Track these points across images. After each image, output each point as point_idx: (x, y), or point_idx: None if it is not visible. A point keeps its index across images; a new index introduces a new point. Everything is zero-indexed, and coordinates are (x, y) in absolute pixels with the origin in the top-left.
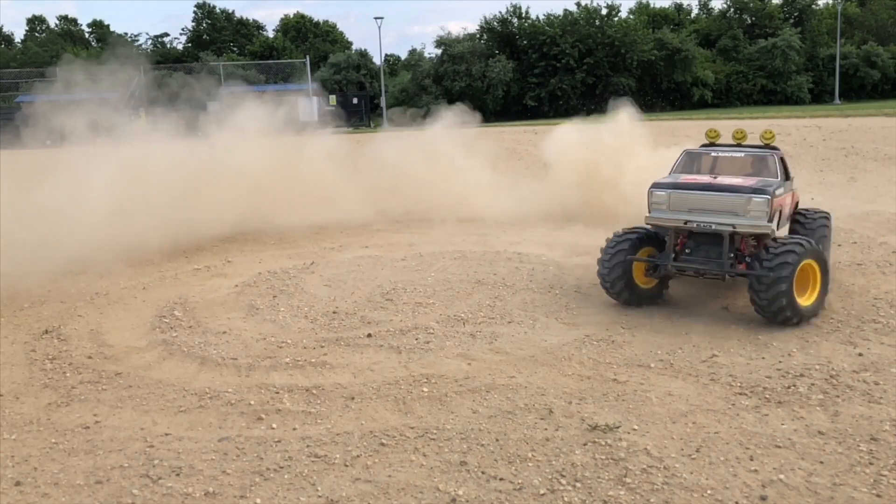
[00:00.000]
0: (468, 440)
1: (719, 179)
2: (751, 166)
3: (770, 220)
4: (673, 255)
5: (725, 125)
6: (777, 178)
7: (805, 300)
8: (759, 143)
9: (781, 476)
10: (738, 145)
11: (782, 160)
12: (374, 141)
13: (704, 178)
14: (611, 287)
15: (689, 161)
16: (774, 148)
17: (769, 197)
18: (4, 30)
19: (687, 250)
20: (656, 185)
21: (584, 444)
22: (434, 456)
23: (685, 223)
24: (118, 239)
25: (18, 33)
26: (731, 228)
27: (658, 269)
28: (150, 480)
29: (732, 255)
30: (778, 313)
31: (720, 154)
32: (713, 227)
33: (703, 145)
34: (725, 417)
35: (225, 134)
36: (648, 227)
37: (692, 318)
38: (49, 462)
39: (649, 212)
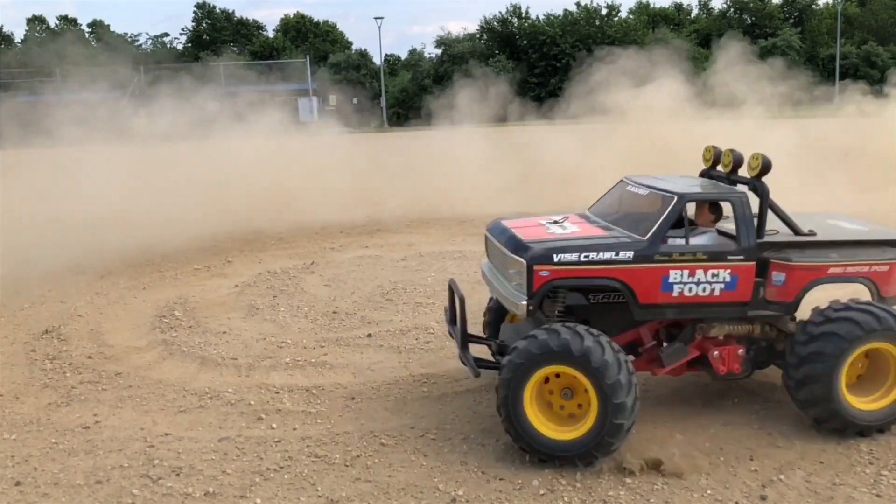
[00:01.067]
0: (468, 440)
1: (539, 226)
2: (643, 210)
3: (532, 296)
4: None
5: (724, 125)
6: (646, 234)
7: (562, 432)
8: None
9: (781, 476)
10: (729, 176)
11: (713, 208)
12: (375, 141)
13: (519, 223)
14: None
15: (607, 194)
16: (755, 183)
17: (524, 262)
18: (4, 30)
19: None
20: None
21: None
22: (434, 456)
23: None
24: (118, 238)
25: (18, 33)
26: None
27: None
28: (150, 480)
29: None
30: (506, 433)
31: (628, 188)
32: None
33: (701, 172)
34: (726, 417)
35: (225, 134)
36: None
37: None
38: (49, 462)
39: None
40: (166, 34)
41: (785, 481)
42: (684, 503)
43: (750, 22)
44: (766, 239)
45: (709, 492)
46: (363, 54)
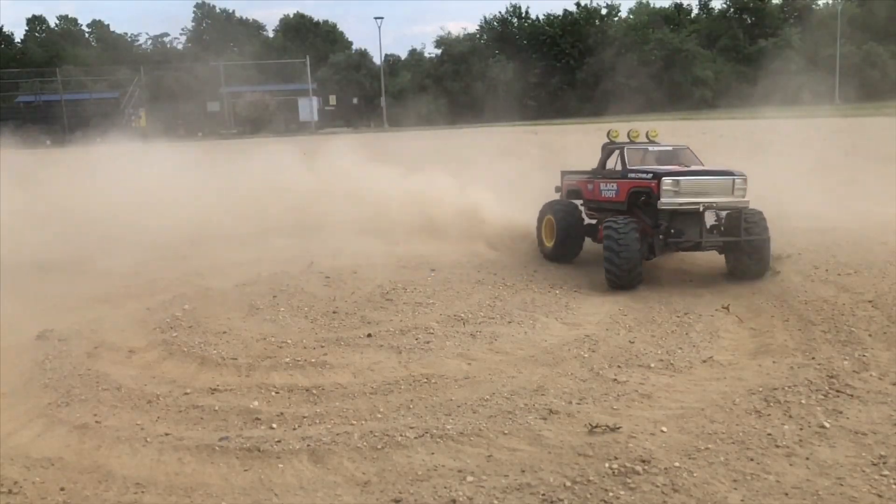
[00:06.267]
0: (468, 440)
1: None
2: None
3: None
4: None
5: (726, 124)
6: None
7: None
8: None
9: (781, 476)
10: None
11: None
12: (376, 141)
13: None
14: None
15: None
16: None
17: None
18: (4, 30)
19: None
20: None
21: (584, 444)
22: (434, 456)
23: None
24: (117, 237)
25: (18, 33)
26: None
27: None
28: (152, 482)
29: None
30: None
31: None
32: None
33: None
34: (725, 417)
35: (225, 134)
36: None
37: (692, 318)
38: (49, 463)
39: None
40: (166, 34)
41: (785, 481)
42: (682, 503)
43: (750, 22)
44: None
45: (709, 492)
46: (363, 54)
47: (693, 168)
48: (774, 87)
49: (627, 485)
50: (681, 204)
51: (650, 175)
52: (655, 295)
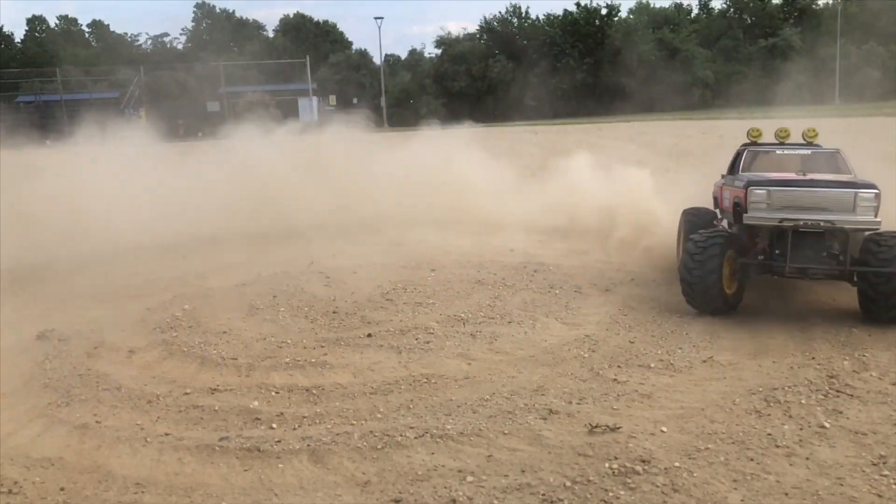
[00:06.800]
0: (468, 440)
1: None
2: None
3: None
4: None
5: (726, 124)
6: None
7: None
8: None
9: (781, 476)
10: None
11: None
12: (378, 142)
13: None
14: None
15: None
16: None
17: None
18: (4, 30)
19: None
20: None
21: (584, 444)
22: (434, 456)
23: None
24: (118, 237)
25: (18, 33)
26: None
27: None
28: (152, 482)
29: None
30: None
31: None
32: None
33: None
34: (725, 417)
35: (225, 134)
36: None
37: (692, 318)
38: (49, 463)
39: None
40: (166, 34)
41: (785, 481)
42: (682, 503)
43: (750, 22)
44: None
45: (708, 492)
46: (363, 54)
47: (807, 177)
48: (774, 86)
49: (627, 485)
50: (779, 220)
51: (743, 183)
52: (655, 295)
